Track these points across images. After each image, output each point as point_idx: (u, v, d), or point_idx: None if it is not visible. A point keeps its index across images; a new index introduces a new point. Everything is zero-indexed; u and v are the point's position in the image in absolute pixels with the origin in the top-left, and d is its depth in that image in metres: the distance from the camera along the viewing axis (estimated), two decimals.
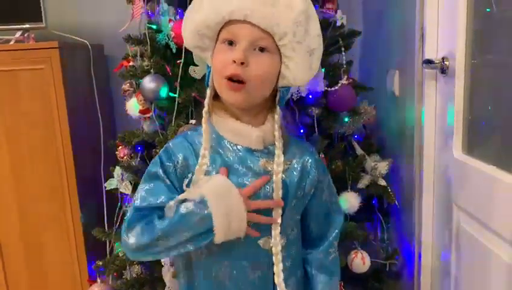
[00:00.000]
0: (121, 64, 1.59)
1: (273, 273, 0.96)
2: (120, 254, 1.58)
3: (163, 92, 1.41)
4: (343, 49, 1.54)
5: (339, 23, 1.52)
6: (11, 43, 1.82)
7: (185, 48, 1.34)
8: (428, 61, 1.31)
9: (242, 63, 0.86)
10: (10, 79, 1.70)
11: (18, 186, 1.79)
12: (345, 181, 1.49)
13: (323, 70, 1.46)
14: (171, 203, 0.89)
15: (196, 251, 0.95)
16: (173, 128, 1.39)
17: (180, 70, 1.40)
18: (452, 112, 1.27)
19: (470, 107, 1.25)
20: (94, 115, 1.93)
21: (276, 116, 0.95)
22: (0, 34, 1.87)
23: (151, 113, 1.47)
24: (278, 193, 0.94)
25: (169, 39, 1.42)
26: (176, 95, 1.41)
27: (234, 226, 0.88)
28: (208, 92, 0.96)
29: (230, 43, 0.89)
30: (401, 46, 1.59)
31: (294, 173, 0.97)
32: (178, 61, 1.41)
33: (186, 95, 1.39)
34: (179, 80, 1.40)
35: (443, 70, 1.30)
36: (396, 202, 1.57)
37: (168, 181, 0.93)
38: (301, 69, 0.91)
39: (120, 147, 1.65)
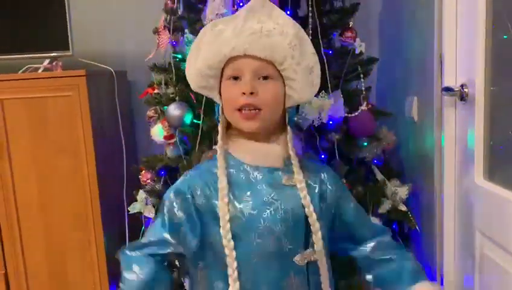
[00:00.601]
0: (146, 92, 1.64)
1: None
2: None
3: (188, 118, 1.46)
4: (362, 75, 1.58)
5: (357, 51, 1.56)
6: (40, 71, 1.89)
7: None
8: (448, 89, 1.33)
9: (251, 93, 0.92)
10: (38, 106, 1.77)
11: (45, 212, 1.83)
12: (366, 206, 1.50)
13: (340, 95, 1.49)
14: None
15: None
16: (197, 154, 1.42)
17: (204, 98, 1.45)
18: (472, 137, 1.28)
19: (490, 133, 1.26)
20: (118, 140, 1.98)
21: (289, 136, 0.99)
22: (30, 62, 1.95)
23: (175, 139, 1.51)
24: (310, 209, 0.97)
25: None
26: (200, 122, 1.45)
27: None
28: (220, 128, 1.00)
29: (235, 78, 0.94)
30: (420, 73, 1.62)
31: (312, 188, 1.01)
32: None
33: (210, 122, 1.43)
34: (202, 107, 1.45)
35: (462, 97, 1.32)
36: (417, 227, 1.58)
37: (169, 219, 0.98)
38: (304, 87, 0.97)
39: (143, 172, 1.69)
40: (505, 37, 1.26)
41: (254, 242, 0.95)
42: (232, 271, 0.93)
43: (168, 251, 0.99)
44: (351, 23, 1.55)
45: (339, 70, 1.53)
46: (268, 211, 0.95)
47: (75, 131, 1.77)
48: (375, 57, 1.64)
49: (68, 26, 1.89)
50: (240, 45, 0.91)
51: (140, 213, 1.67)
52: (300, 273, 0.98)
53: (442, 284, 1.47)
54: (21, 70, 1.92)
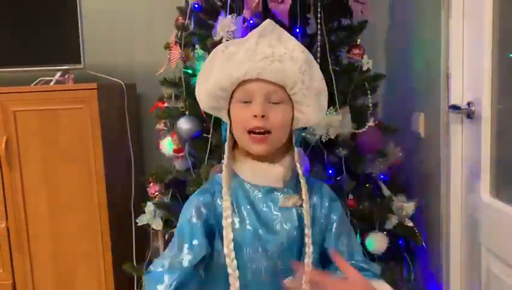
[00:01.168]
0: (156, 105, 1.67)
1: None
2: None
3: (197, 132, 1.48)
4: (369, 92, 1.59)
5: (365, 68, 1.58)
6: (52, 83, 1.93)
7: None
8: (455, 107, 1.35)
9: (263, 116, 0.93)
10: (50, 118, 1.80)
11: (53, 222, 1.86)
12: (372, 222, 1.51)
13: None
14: None
15: None
16: (206, 168, 1.44)
17: None
18: (478, 155, 1.29)
19: (496, 151, 1.28)
20: (126, 152, 2.00)
21: (296, 157, 1.01)
22: (42, 75, 1.99)
23: (184, 153, 1.53)
24: (309, 233, 0.97)
25: None
26: (209, 136, 1.47)
27: None
28: (226, 147, 1.01)
29: (245, 102, 0.96)
30: (426, 90, 1.64)
31: (313, 208, 1.02)
32: None
33: (219, 136, 1.45)
34: (212, 122, 1.47)
35: (469, 115, 1.34)
36: (423, 243, 1.58)
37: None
38: (313, 110, 0.99)
39: (151, 184, 1.70)
40: (511, 55, 1.28)
41: (248, 256, 0.97)
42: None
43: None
44: (358, 41, 1.57)
45: (347, 86, 1.55)
46: (263, 230, 0.97)
47: (85, 142, 1.80)
48: (382, 74, 1.66)
49: (80, 40, 1.93)
50: (253, 69, 0.93)
51: (147, 225, 1.69)
52: None
53: None
54: (33, 83, 1.96)
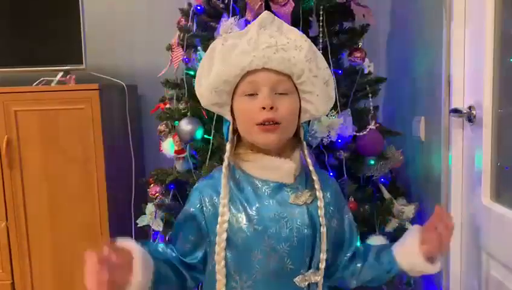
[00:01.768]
0: (158, 106, 1.67)
1: None
2: None
3: (199, 134, 1.48)
4: (370, 95, 1.60)
5: (366, 71, 1.59)
6: (53, 84, 1.93)
7: None
8: (456, 111, 1.35)
9: (271, 108, 0.91)
10: (51, 118, 1.80)
11: (53, 222, 1.86)
12: (373, 224, 1.51)
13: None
14: None
15: None
16: (207, 169, 1.44)
17: (215, 113, 1.46)
18: (479, 158, 1.30)
19: (497, 155, 1.28)
20: (127, 153, 2.01)
21: (306, 151, 1.00)
22: (44, 75, 1.99)
23: (185, 154, 1.53)
24: (324, 230, 0.97)
25: None
26: (211, 137, 1.47)
27: None
28: (228, 146, 0.98)
29: (251, 94, 0.93)
30: (427, 93, 1.64)
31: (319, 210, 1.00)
32: None
33: (220, 137, 1.46)
34: (213, 123, 1.47)
35: (470, 119, 1.34)
36: None
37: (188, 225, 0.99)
38: (322, 99, 0.97)
39: (152, 185, 1.70)
40: (511, 60, 1.29)
41: (256, 259, 0.94)
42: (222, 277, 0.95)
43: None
44: (360, 44, 1.58)
45: (348, 89, 1.55)
46: (273, 228, 0.94)
47: (86, 143, 1.80)
48: (383, 77, 1.66)
49: (82, 41, 1.93)
50: (258, 58, 0.90)
51: (148, 226, 1.69)
52: None
53: None
54: (35, 83, 1.96)
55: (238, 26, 1.43)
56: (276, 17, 0.96)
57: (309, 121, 1.39)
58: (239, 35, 0.95)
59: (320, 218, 0.97)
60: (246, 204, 0.96)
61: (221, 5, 1.56)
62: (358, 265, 1.06)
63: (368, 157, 1.58)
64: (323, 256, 0.98)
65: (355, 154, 1.54)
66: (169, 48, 1.62)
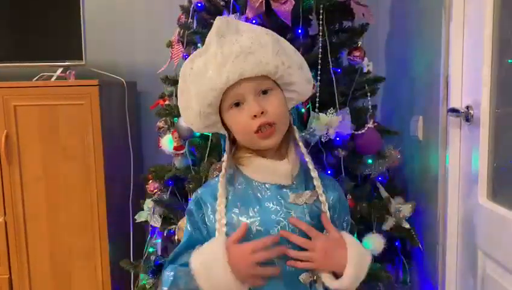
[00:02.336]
0: (157, 103, 1.67)
1: None
2: (147, 286, 1.61)
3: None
4: (368, 94, 1.61)
5: (365, 70, 1.60)
6: (53, 79, 1.93)
7: None
8: (454, 110, 1.36)
9: (262, 112, 0.92)
10: (51, 113, 1.81)
11: (51, 218, 1.86)
12: (370, 223, 1.52)
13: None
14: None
15: None
16: (206, 166, 1.45)
17: None
18: (476, 158, 1.31)
19: (494, 154, 1.29)
20: (126, 149, 2.01)
21: (297, 135, 1.01)
22: (43, 71, 1.99)
23: (184, 150, 1.54)
24: (330, 224, 0.98)
25: None
26: (210, 134, 1.48)
27: None
28: (225, 156, 1.01)
29: (237, 104, 0.94)
30: (425, 93, 1.65)
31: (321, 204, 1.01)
32: None
33: (219, 134, 1.46)
34: None
35: (467, 119, 1.35)
36: (419, 245, 1.59)
37: (195, 229, 1.01)
38: (303, 84, 0.99)
39: (150, 181, 1.71)
40: (509, 61, 1.30)
41: None
42: None
43: None
44: (359, 43, 1.58)
45: (347, 88, 1.56)
46: (275, 229, 0.96)
47: (85, 138, 1.80)
48: (382, 76, 1.67)
49: (82, 37, 1.94)
50: (232, 72, 0.90)
51: (146, 222, 1.69)
52: None
53: None
54: (35, 78, 1.97)
55: None
56: (229, 18, 0.95)
57: (307, 120, 1.41)
58: (202, 52, 0.95)
59: (323, 206, 0.99)
60: (247, 207, 0.98)
61: (222, 3, 1.56)
62: None
63: (366, 156, 1.59)
64: None
65: (354, 152, 1.55)
66: (170, 44, 1.62)
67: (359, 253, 0.98)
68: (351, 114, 1.52)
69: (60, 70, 1.97)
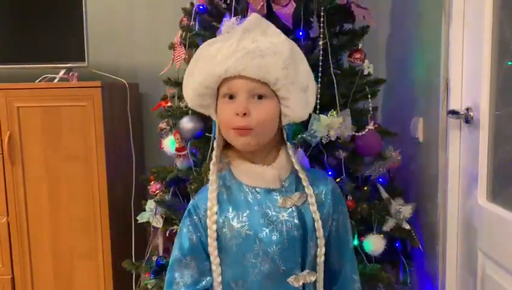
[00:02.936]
0: (159, 104, 1.69)
1: None
2: (149, 287, 1.62)
3: (200, 132, 1.50)
4: (369, 96, 1.61)
5: (366, 72, 1.60)
6: (56, 81, 1.95)
7: None
8: (453, 112, 1.37)
9: (244, 114, 0.92)
10: (53, 115, 1.82)
11: (53, 218, 1.88)
12: (370, 223, 1.53)
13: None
14: None
15: None
16: (207, 167, 1.46)
17: None
18: (476, 159, 1.31)
19: (494, 156, 1.30)
20: (128, 150, 2.02)
21: (290, 151, 1.01)
22: (46, 72, 2.01)
23: (186, 151, 1.55)
24: (319, 225, 0.99)
25: None
26: (212, 135, 1.49)
27: None
28: (215, 144, 1.01)
29: (231, 96, 0.95)
30: (426, 95, 1.66)
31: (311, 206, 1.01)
32: None
33: (213, 121, 1.47)
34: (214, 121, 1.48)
35: (467, 121, 1.36)
36: (420, 246, 1.60)
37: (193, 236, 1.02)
38: (299, 106, 0.97)
39: (152, 182, 1.72)
40: (509, 63, 1.31)
41: (249, 262, 0.97)
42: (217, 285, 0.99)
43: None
44: (360, 45, 1.59)
45: (347, 90, 1.57)
46: (264, 232, 0.97)
47: (88, 140, 1.82)
48: (382, 78, 1.68)
49: (85, 39, 1.95)
50: (233, 66, 0.92)
51: (147, 223, 1.70)
52: None
53: None
54: (38, 80, 1.98)
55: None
56: (263, 20, 0.96)
57: (308, 119, 1.42)
58: (224, 39, 0.97)
59: (314, 214, 0.99)
60: (237, 211, 0.99)
61: (224, 5, 1.57)
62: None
63: (366, 157, 1.60)
64: (320, 251, 1.00)
65: (354, 154, 1.56)
66: (172, 46, 1.64)
67: None
68: (352, 116, 1.53)
69: (62, 72, 1.98)
